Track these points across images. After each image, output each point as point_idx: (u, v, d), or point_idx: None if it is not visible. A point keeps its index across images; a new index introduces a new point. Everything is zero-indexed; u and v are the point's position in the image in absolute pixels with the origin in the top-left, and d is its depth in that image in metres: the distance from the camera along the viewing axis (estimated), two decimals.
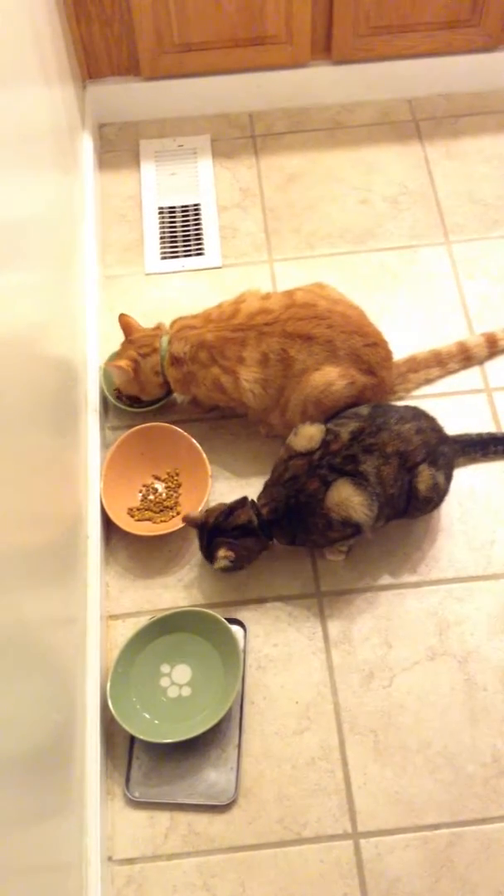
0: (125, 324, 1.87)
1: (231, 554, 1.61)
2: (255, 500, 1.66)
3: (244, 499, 1.66)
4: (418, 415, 1.68)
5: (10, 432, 1.16)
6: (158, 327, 1.85)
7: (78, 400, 1.74)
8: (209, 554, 1.65)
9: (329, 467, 1.60)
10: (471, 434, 1.83)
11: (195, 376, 1.77)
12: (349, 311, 1.76)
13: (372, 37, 2.25)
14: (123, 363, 1.80)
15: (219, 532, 1.63)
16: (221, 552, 1.61)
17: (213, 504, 1.70)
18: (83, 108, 2.27)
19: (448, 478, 1.68)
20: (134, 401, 1.89)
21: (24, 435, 1.25)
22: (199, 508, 1.73)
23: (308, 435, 1.64)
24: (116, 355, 1.86)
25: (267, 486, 1.68)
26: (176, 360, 1.77)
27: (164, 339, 1.80)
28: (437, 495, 1.66)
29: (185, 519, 1.69)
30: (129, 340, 1.85)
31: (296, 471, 1.62)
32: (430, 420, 1.69)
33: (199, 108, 2.39)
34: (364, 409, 1.67)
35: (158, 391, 1.86)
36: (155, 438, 1.81)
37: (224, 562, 1.62)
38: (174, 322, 1.83)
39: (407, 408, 1.70)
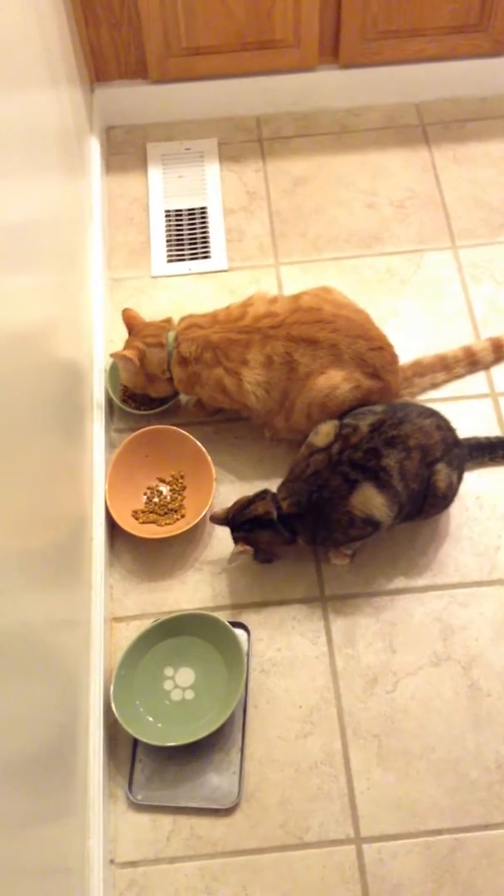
0: (129, 318, 1.87)
1: (247, 548, 1.63)
2: (276, 493, 1.67)
3: (264, 491, 1.66)
4: (435, 412, 1.69)
5: (15, 434, 1.16)
6: (167, 321, 1.86)
7: (83, 402, 1.74)
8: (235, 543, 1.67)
9: (350, 463, 1.59)
10: (479, 437, 1.83)
11: (199, 377, 1.78)
12: (354, 314, 1.76)
13: (380, 41, 2.25)
14: (129, 352, 1.79)
15: (237, 526, 1.65)
16: (237, 548, 1.63)
17: (218, 506, 1.71)
18: (91, 110, 2.27)
19: (460, 479, 1.69)
20: (139, 403, 1.90)
21: (30, 436, 1.25)
22: (203, 513, 1.73)
23: (325, 432, 1.65)
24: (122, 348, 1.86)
25: (286, 483, 1.67)
26: (183, 360, 1.78)
27: (171, 335, 1.80)
28: (451, 494, 1.67)
29: (213, 518, 1.70)
30: (134, 333, 1.85)
31: (317, 466, 1.62)
32: (445, 420, 1.70)
33: (207, 111, 2.40)
34: (379, 406, 1.67)
35: (165, 387, 1.85)
36: (160, 441, 1.81)
37: (241, 558, 1.63)
38: (183, 319, 1.84)
39: (422, 405, 1.70)
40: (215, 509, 1.71)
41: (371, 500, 1.58)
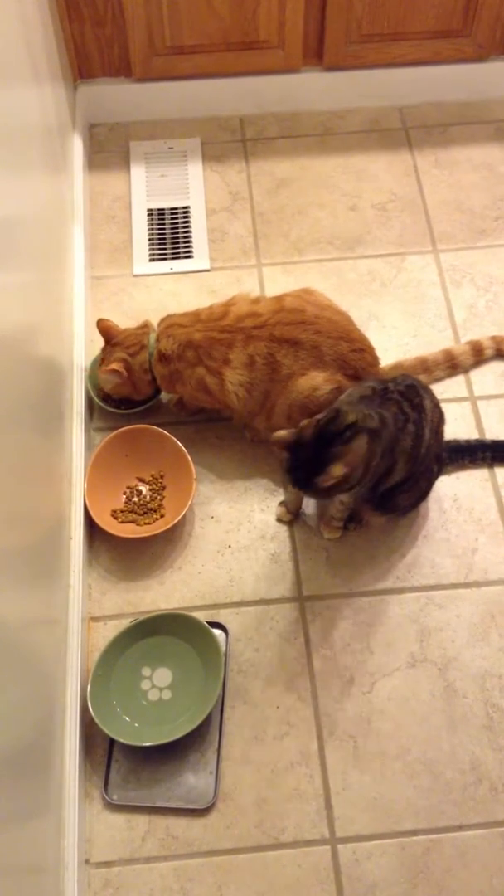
0: (105, 328, 1.86)
1: (346, 469, 1.41)
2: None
3: (336, 408, 1.48)
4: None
5: None
6: (145, 325, 1.85)
7: (63, 401, 1.74)
8: (314, 473, 1.43)
9: (400, 394, 1.55)
10: (459, 440, 1.84)
11: (181, 375, 1.77)
12: (336, 316, 1.76)
13: (364, 44, 2.26)
14: (116, 365, 1.79)
15: (326, 441, 1.43)
16: (337, 468, 1.41)
17: (198, 507, 1.70)
18: (74, 108, 2.26)
19: (438, 472, 1.72)
20: (119, 402, 1.89)
21: (8, 435, 1.24)
22: (182, 513, 1.72)
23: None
24: (101, 360, 1.85)
25: (343, 405, 1.50)
26: (163, 357, 1.77)
27: (152, 336, 1.80)
28: (429, 489, 1.70)
29: (276, 441, 1.46)
30: (114, 343, 1.84)
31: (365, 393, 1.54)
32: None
33: (190, 110, 2.39)
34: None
35: (149, 389, 1.85)
36: (140, 440, 1.81)
37: (337, 477, 1.41)
38: (163, 319, 1.83)
39: None
40: (282, 433, 1.47)
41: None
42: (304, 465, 1.46)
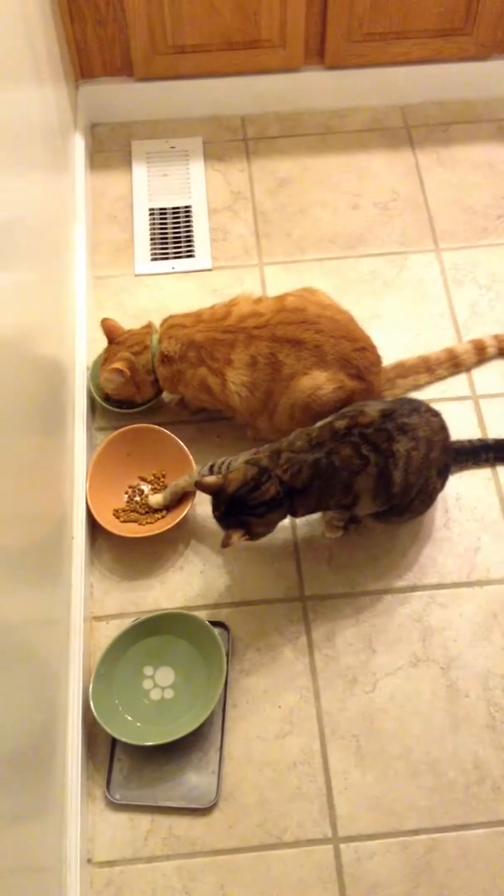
0: (108, 328, 1.86)
1: (247, 537, 1.52)
2: (266, 467, 1.54)
3: (265, 469, 1.53)
4: (439, 413, 1.67)
5: None
6: (149, 326, 1.85)
7: (65, 400, 1.74)
8: (225, 525, 1.54)
9: (361, 436, 1.54)
10: (463, 441, 1.84)
11: (183, 375, 1.77)
12: (338, 315, 1.76)
13: (365, 43, 2.26)
14: (119, 364, 1.78)
15: (241, 506, 1.51)
16: (236, 536, 1.51)
17: (199, 507, 1.70)
18: (75, 107, 2.26)
19: (443, 484, 1.70)
20: (121, 402, 1.89)
21: (10, 435, 1.24)
22: (184, 512, 1.72)
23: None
24: (104, 359, 1.85)
25: (277, 453, 1.56)
26: (166, 358, 1.77)
27: (155, 337, 1.80)
28: (435, 498, 1.68)
29: (200, 484, 1.55)
30: (117, 342, 1.84)
31: (321, 438, 1.55)
32: (445, 423, 1.69)
33: (192, 110, 2.39)
34: (386, 401, 1.65)
35: (151, 390, 1.85)
36: (142, 440, 1.81)
37: (239, 542, 1.52)
38: (165, 320, 1.83)
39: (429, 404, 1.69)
40: (207, 479, 1.55)
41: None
42: (222, 513, 1.54)
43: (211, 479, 1.54)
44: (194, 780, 1.53)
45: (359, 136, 2.38)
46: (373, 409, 1.59)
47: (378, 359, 1.79)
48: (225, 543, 1.53)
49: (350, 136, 2.38)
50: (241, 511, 1.52)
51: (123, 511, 1.78)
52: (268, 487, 1.51)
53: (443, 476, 1.68)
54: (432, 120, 2.40)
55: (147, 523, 1.76)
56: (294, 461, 1.53)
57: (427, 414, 1.63)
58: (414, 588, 1.72)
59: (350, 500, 1.58)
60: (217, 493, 1.53)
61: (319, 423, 1.60)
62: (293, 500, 1.55)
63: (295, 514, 1.60)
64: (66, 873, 1.37)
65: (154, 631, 1.63)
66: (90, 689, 1.54)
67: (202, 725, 1.53)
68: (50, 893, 1.28)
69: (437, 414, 1.66)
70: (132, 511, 1.78)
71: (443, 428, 1.65)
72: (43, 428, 1.51)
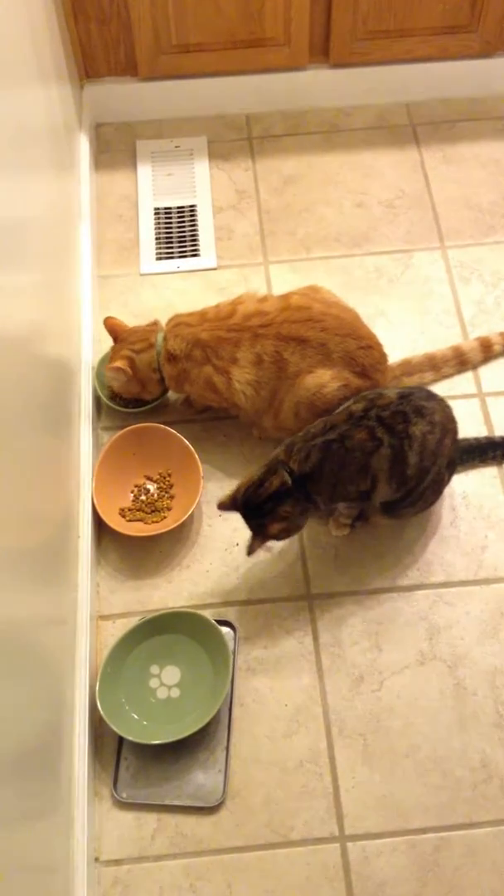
0: (111, 326, 1.86)
1: (266, 544, 1.56)
2: (282, 460, 1.56)
3: (274, 465, 1.55)
4: (450, 407, 1.68)
5: (2, 431, 1.15)
6: (154, 323, 1.85)
7: (71, 400, 1.74)
8: (253, 533, 1.57)
9: (378, 419, 1.54)
10: (469, 439, 1.83)
11: (189, 374, 1.77)
12: (343, 313, 1.76)
13: (370, 41, 2.26)
14: (120, 363, 1.79)
15: (255, 508, 1.54)
16: (258, 541, 1.56)
17: (205, 505, 1.70)
18: (80, 107, 2.27)
19: (449, 479, 1.70)
20: (127, 401, 1.89)
21: (17, 434, 1.24)
22: (190, 511, 1.72)
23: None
24: (109, 358, 1.85)
25: (292, 444, 1.58)
26: (171, 357, 1.77)
27: (160, 336, 1.80)
28: (441, 491, 1.69)
29: (220, 505, 1.59)
30: (121, 339, 1.84)
31: (335, 421, 1.56)
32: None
33: (197, 109, 2.39)
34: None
35: (157, 388, 1.85)
36: (147, 439, 1.81)
37: (264, 548, 1.54)
38: (170, 319, 1.83)
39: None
40: (221, 498, 1.60)
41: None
42: (245, 522, 1.58)
43: (224, 496, 1.59)
44: (201, 779, 1.53)
45: (364, 135, 2.38)
46: (391, 391, 1.60)
47: (383, 357, 1.79)
48: (249, 551, 1.58)
49: (355, 135, 2.37)
50: (256, 514, 1.55)
51: (129, 510, 1.78)
52: (272, 481, 1.53)
53: (450, 468, 1.68)
54: (438, 117, 2.40)
55: (153, 522, 1.76)
56: (303, 448, 1.55)
57: (442, 402, 1.63)
58: (421, 586, 1.72)
59: (369, 485, 1.57)
60: (234, 506, 1.57)
61: (338, 410, 1.60)
62: (307, 489, 1.55)
63: (316, 506, 1.58)
64: (73, 872, 1.37)
65: (160, 630, 1.63)
66: (97, 688, 1.54)
67: (209, 724, 1.53)
68: (57, 892, 1.28)
69: (449, 406, 1.66)
70: (138, 510, 1.78)
71: (454, 419, 1.66)
72: (48, 427, 1.51)
